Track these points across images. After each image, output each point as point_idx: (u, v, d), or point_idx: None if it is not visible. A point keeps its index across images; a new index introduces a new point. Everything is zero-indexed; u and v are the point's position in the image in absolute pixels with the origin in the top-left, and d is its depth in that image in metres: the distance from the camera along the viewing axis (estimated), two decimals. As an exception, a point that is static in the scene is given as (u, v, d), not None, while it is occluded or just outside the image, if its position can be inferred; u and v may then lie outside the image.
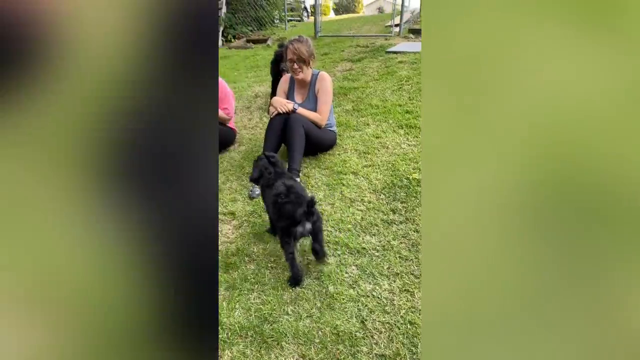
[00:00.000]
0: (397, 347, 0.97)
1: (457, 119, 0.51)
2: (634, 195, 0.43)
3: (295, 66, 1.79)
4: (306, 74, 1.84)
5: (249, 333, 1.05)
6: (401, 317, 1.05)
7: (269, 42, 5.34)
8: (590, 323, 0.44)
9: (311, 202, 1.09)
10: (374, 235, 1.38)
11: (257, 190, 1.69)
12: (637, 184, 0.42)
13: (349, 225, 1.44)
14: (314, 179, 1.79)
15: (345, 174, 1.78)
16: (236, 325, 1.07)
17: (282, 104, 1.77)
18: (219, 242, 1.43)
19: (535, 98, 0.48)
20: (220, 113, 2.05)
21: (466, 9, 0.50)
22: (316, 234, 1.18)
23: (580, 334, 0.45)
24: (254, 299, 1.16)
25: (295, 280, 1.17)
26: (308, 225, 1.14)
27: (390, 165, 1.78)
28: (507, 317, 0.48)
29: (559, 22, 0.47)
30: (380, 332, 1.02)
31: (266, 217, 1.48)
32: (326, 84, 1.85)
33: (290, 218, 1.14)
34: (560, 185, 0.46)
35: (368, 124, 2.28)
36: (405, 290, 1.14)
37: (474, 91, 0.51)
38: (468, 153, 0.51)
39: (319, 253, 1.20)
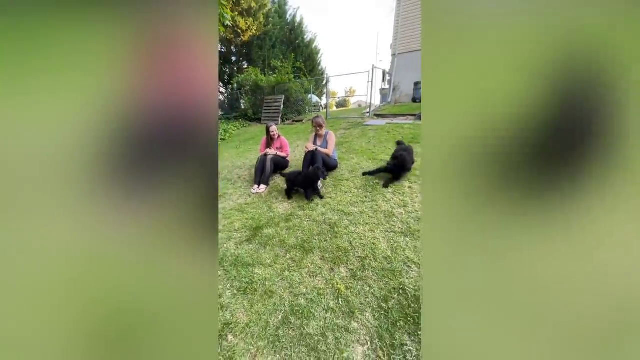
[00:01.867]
0: (366, 254, 1.33)
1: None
2: None
3: (318, 129, 2.40)
4: (322, 132, 2.43)
5: (297, 247, 1.44)
6: (369, 240, 1.42)
7: (303, 121, 6.94)
8: None
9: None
10: (356, 207, 1.77)
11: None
12: None
13: (344, 203, 1.84)
14: (326, 183, 2.27)
15: (342, 180, 2.21)
16: (291, 244, 1.48)
17: (311, 146, 2.34)
18: (283, 211, 1.92)
19: None
20: (284, 154, 2.62)
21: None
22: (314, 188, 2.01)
23: None
24: (299, 233, 1.58)
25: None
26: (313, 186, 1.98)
27: (364, 177, 2.23)
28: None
29: None
30: (359, 247, 1.38)
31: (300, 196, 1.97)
32: (332, 137, 2.40)
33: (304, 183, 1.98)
34: None
35: (353, 158, 2.75)
36: (371, 230, 1.51)
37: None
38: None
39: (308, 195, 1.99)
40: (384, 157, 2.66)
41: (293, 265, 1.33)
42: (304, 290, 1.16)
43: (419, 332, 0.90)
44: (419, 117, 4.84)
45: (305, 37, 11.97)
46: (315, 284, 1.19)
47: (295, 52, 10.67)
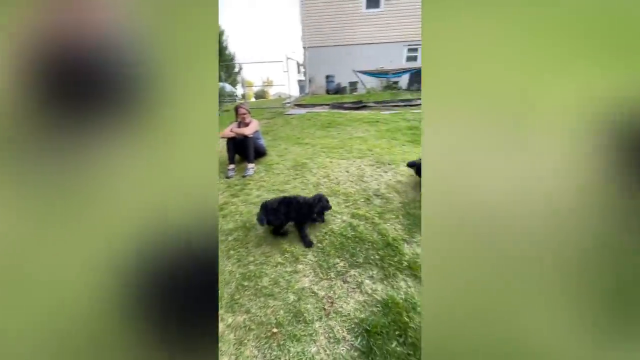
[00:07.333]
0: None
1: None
2: None
3: (244, 117, 2.43)
4: (248, 120, 2.48)
5: (239, 229, 1.53)
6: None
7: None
8: None
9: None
10: (289, 184, 2.02)
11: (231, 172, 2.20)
12: None
13: (278, 182, 2.04)
14: (257, 169, 2.39)
15: (273, 164, 2.39)
16: (231, 227, 1.55)
17: (229, 132, 2.38)
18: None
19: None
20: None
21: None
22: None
23: None
24: (237, 217, 1.66)
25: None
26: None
27: (292, 158, 2.53)
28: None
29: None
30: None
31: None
32: (256, 124, 2.53)
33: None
34: None
35: (280, 144, 2.97)
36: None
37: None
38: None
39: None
40: (309, 140, 3.05)
41: (237, 243, 1.43)
42: (251, 258, 1.31)
43: (345, 254, 1.30)
44: (332, 107, 5.64)
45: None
46: (262, 250, 1.36)
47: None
